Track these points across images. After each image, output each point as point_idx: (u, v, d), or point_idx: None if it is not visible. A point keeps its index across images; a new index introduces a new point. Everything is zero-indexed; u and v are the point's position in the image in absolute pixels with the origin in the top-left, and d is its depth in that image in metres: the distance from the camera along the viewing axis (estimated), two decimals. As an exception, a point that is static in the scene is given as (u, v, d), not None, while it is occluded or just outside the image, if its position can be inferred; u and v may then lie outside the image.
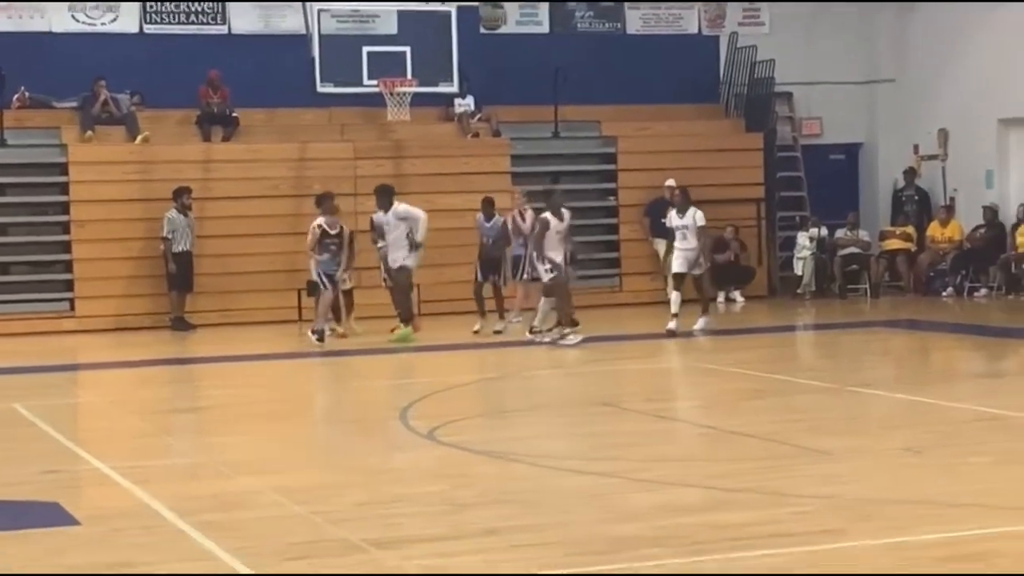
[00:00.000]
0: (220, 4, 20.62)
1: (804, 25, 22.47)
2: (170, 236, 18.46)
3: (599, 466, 8.74)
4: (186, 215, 18.60)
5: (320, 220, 16.09)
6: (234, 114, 19.99)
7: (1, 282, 19.06)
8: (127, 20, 20.36)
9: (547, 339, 15.60)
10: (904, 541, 6.46)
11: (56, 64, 19.68)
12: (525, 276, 17.05)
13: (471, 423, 10.72)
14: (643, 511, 7.23)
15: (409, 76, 19.19)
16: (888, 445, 9.10)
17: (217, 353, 16.26)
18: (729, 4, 22.50)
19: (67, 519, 7.42)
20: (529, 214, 17.29)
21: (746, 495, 7.57)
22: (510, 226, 17.08)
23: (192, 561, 6.46)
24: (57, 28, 20.12)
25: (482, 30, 21.19)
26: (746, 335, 17.12)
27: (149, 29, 20.46)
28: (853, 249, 21.39)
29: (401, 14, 19.51)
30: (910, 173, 22.11)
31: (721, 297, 20.68)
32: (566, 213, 15.68)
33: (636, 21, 22.31)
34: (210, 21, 20.66)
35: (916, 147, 22.21)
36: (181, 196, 18.55)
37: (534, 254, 15.77)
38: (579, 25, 22.14)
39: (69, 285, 19.10)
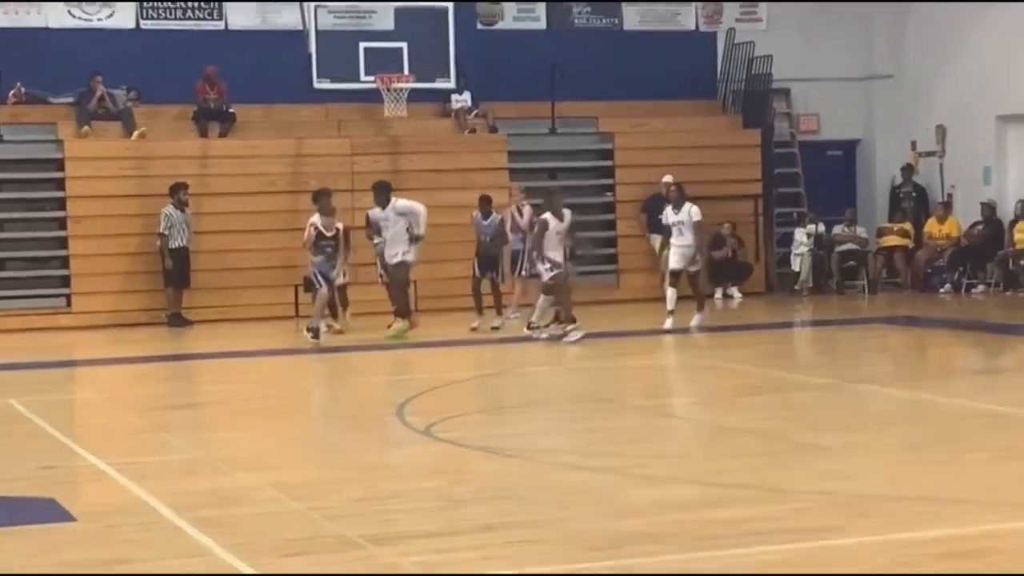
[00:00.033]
0: (217, 0, 20.59)
1: (801, 21, 22.47)
2: (167, 232, 18.45)
3: (597, 462, 8.74)
4: (183, 211, 18.58)
5: (316, 219, 16.05)
6: (231, 110, 19.98)
7: (-3, 278, 19.07)
8: (123, 15, 20.34)
9: (544, 335, 15.59)
10: (902, 538, 6.45)
11: (52, 60, 19.67)
12: (523, 273, 17.03)
13: (468, 419, 10.72)
14: (641, 507, 7.23)
15: (406, 72, 19.19)
16: (886, 441, 9.10)
17: (214, 349, 16.24)
18: (726, 2, 22.49)
19: (63, 515, 7.41)
20: (527, 210, 17.28)
21: (744, 491, 7.57)
22: (508, 222, 17.07)
23: (189, 557, 6.45)
24: (53, 24, 20.10)
25: (479, 26, 21.18)
26: (744, 331, 17.11)
27: (146, 25, 20.45)
28: (850, 246, 21.39)
29: (398, 10, 19.49)
30: (908, 170, 22.12)
31: (719, 293, 20.69)
32: (567, 213, 15.66)
33: (633, 17, 22.30)
34: (207, 17, 20.64)
35: (914, 144, 22.22)
36: (178, 192, 18.54)
37: (534, 253, 15.77)
38: (576, 21, 22.14)
39: (65, 281, 19.09)
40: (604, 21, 22.21)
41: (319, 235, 15.90)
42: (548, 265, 15.36)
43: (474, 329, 16.54)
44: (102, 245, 18.82)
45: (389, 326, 16.31)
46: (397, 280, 16.02)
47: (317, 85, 19.10)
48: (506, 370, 14.15)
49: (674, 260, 16.36)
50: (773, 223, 21.96)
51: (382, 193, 16.00)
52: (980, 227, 20.73)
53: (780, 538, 6.47)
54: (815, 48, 22.36)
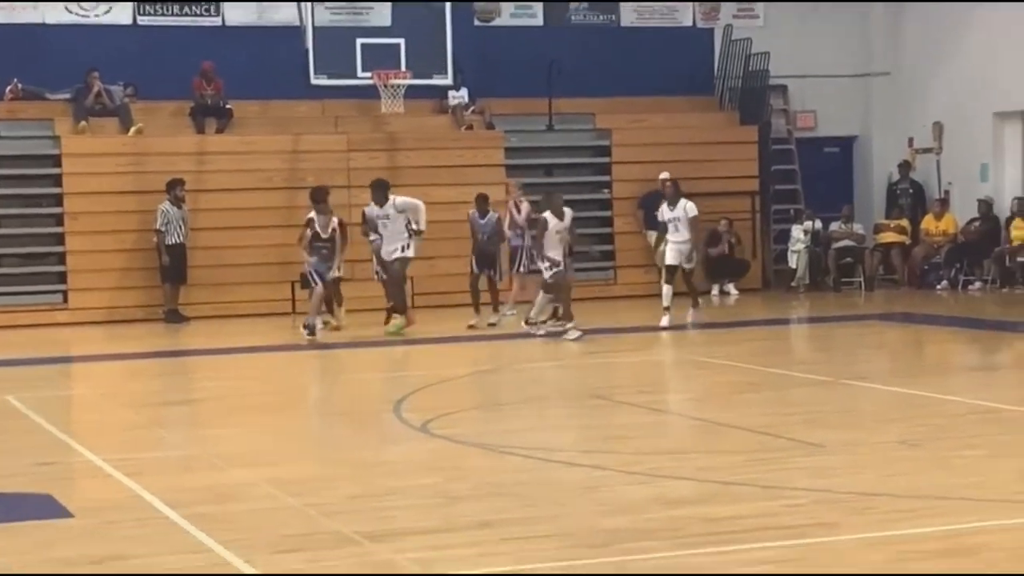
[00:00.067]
0: (214, -4, 20.63)
1: (799, 18, 22.47)
2: (163, 228, 18.45)
3: (592, 459, 8.75)
4: (179, 207, 18.58)
5: (313, 217, 16.04)
6: (228, 106, 19.97)
7: (-6, 274, 19.07)
8: (121, 12, 20.34)
9: (541, 332, 15.60)
10: (897, 535, 6.47)
11: (49, 56, 19.66)
12: (522, 269, 17.06)
13: (465, 416, 10.73)
14: (636, 504, 7.24)
15: (403, 68, 19.17)
16: (882, 438, 9.11)
17: (210, 345, 16.24)
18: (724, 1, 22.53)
19: (60, 511, 7.42)
20: (525, 206, 17.29)
21: (739, 488, 7.58)
22: (506, 219, 17.08)
23: (185, 554, 6.46)
24: (51, 20, 20.09)
25: (476, 22, 21.17)
26: (740, 328, 17.12)
27: (143, 21, 20.44)
28: (847, 242, 21.41)
29: (395, 6, 19.51)
30: (905, 166, 22.14)
31: (715, 290, 20.70)
32: (568, 212, 15.64)
33: (630, 14, 22.31)
34: (204, 13, 20.64)
35: (911, 140, 22.24)
36: (174, 188, 18.54)
37: (534, 252, 15.78)
38: (573, 18, 22.14)
39: (62, 277, 19.08)
40: (601, 18, 22.21)
41: (315, 236, 15.90)
42: (548, 264, 15.36)
43: (472, 326, 16.54)
44: (99, 241, 18.82)
45: (387, 322, 16.33)
46: (395, 276, 16.02)
47: (314, 81, 19.09)
48: (503, 367, 14.15)
49: (670, 256, 16.37)
50: (770, 220, 21.97)
51: (380, 191, 15.99)
52: (977, 224, 20.75)
53: (775, 535, 6.49)
54: (812, 45, 22.36)
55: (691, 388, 12.56)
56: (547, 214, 15.50)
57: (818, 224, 21.47)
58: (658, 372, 14.03)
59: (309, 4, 19.20)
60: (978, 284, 20.43)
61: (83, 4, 20.23)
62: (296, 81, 19.21)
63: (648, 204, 19.82)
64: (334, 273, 16.30)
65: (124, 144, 19.36)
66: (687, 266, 16.43)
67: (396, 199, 15.90)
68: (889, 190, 22.37)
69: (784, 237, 21.75)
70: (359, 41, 19.13)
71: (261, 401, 11.96)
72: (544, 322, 15.78)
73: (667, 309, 16.16)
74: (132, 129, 19.47)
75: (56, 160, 19.18)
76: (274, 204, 19.22)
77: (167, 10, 20.48)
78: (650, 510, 7.06)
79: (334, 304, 16.91)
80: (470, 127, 20.79)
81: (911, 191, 21.98)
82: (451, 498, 7.54)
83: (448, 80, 19.75)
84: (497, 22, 21.54)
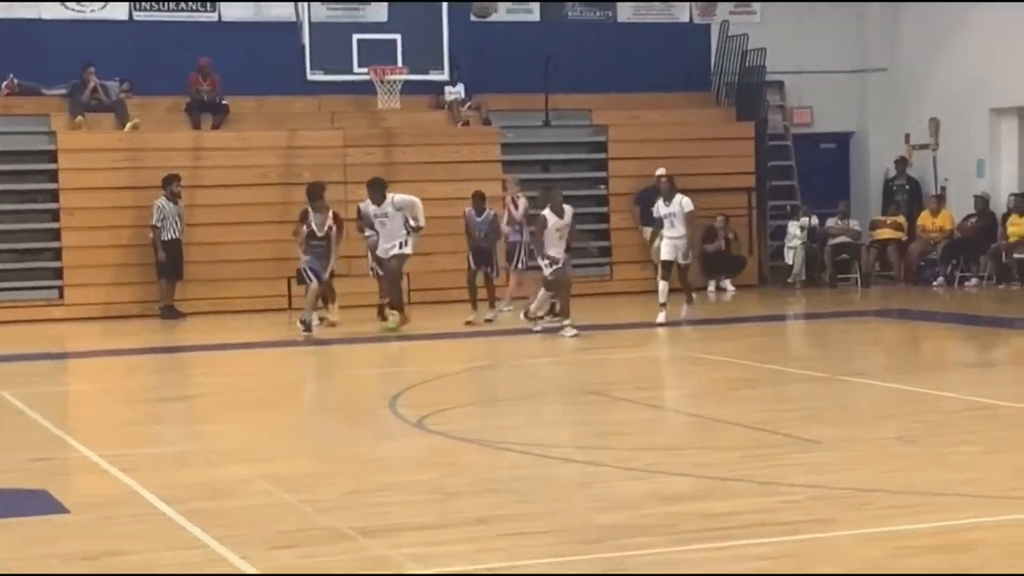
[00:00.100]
0: (210, -9, 20.62)
1: (795, 14, 22.47)
2: (159, 224, 18.44)
3: (588, 455, 8.75)
4: (175, 203, 18.58)
5: (308, 210, 16.03)
6: (224, 102, 19.96)
7: (-10, 270, 19.06)
8: (117, 7, 20.31)
9: (538, 327, 15.60)
10: (893, 531, 6.47)
11: (46, 51, 19.64)
12: (520, 265, 17.08)
13: (461, 412, 10.73)
14: (632, 500, 7.24)
15: (399, 64, 19.17)
16: (879, 434, 9.12)
17: (206, 341, 16.24)
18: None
19: (56, 507, 7.42)
20: (522, 202, 17.33)
21: (735, 484, 7.59)
22: (504, 215, 17.10)
23: (181, 549, 6.45)
24: (47, 15, 20.07)
25: (473, 18, 21.15)
26: (736, 324, 17.13)
27: (139, 16, 20.42)
28: (844, 238, 21.42)
29: (391, 2, 19.48)
30: (901, 162, 22.14)
31: (712, 286, 20.71)
32: (568, 210, 15.60)
33: (627, 10, 22.30)
34: (200, 8, 20.62)
35: (907, 136, 22.25)
36: (170, 184, 18.53)
37: (534, 249, 15.78)
38: (570, 14, 22.13)
39: (58, 273, 19.07)
40: (598, 14, 22.20)
41: (310, 234, 15.88)
42: (547, 262, 15.33)
43: (469, 322, 16.54)
44: (95, 237, 18.81)
45: (379, 315, 16.37)
46: (391, 272, 16.01)
47: (310, 77, 19.08)
48: (499, 363, 14.15)
49: (666, 252, 16.38)
50: (766, 216, 21.98)
51: (377, 190, 15.94)
52: (973, 220, 20.76)
53: (772, 531, 6.49)
54: (809, 41, 22.37)
55: (687, 384, 12.56)
56: (547, 212, 15.46)
57: (814, 220, 21.49)
58: (654, 368, 14.03)
59: (305, 0, 19.19)
60: (974, 280, 20.44)
61: (79, 0, 20.20)
62: (292, 77, 19.21)
63: (644, 200, 19.82)
64: (329, 270, 16.28)
65: (120, 140, 19.35)
66: (683, 262, 16.43)
67: (394, 197, 15.88)
68: (885, 186, 22.38)
69: (780, 233, 21.76)
70: (355, 37, 19.13)
71: (257, 397, 11.96)
72: (541, 317, 15.78)
73: (663, 305, 16.17)
74: (128, 125, 19.45)
75: (52, 156, 19.16)
76: (270, 200, 19.21)
77: (163, 6, 20.46)
78: (646, 506, 7.07)
79: (328, 301, 16.91)
80: (466, 123, 20.78)
81: (907, 187, 21.99)
82: (447, 494, 7.54)
83: (444, 76, 19.76)
84: (494, 18, 21.51)
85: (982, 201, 20.74)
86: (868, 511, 6.91)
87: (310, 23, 19.04)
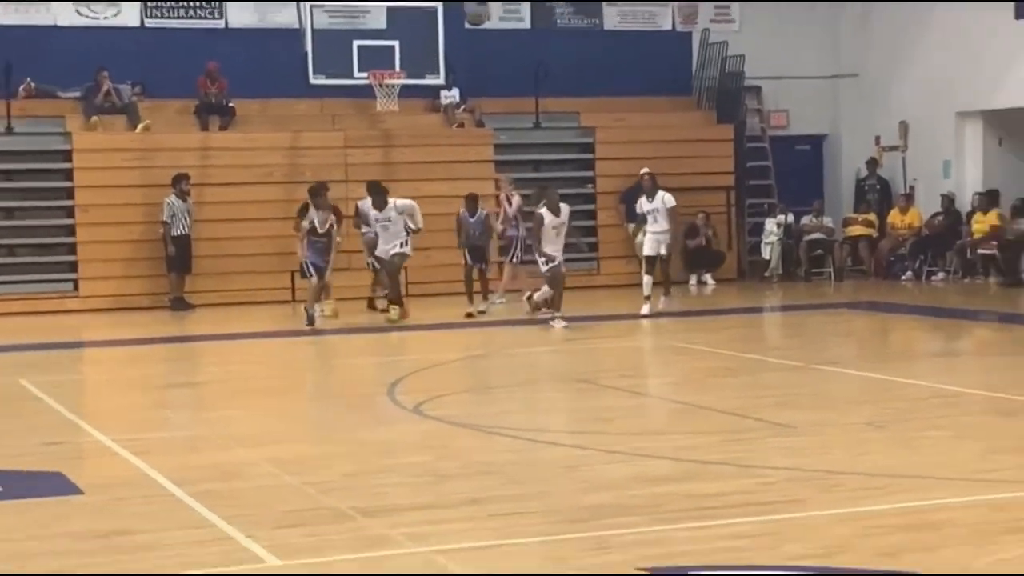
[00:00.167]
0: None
1: (772, 22, 22.48)
2: (169, 220, 18.41)
3: (577, 439, 8.76)
4: (184, 200, 18.54)
5: (308, 203, 16.01)
6: (231, 104, 19.92)
7: (8, 263, 19.01)
8: (129, 14, 20.27)
9: (535, 314, 15.65)
10: (864, 511, 6.48)
11: (61, 56, 19.58)
12: (515, 260, 17.06)
13: (456, 398, 10.72)
14: (618, 481, 7.24)
15: (398, 69, 19.16)
16: (850, 419, 9.13)
17: (214, 332, 16.21)
18: (700, 2, 22.51)
19: (71, 488, 7.41)
20: (516, 199, 17.35)
21: (715, 467, 7.59)
22: (500, 214, 17.13)
23: (190, 529, 6.45)
24: (62, 21, 20.02)
25: (467, 25, 21.14)
26: (716, 316, 17.14)
27: (150, 23, 20.37)
28: (818, 235, 21.43)
29: (390, 10, 19.46)
30: (872, 163, 22.16)
31: (693, 280, 20.72)
32: (564, 208, 15.51)
33: (613, 18, 22.28)
34: (208, 15, 20.57)
35: (877, 139, 22.25)
36: (180, 182, 18.50)
37: (531, 245, 15.76)
38: (559, 21, 22.11)
39: (73, 266, 19.03)
40: (585, 21, 22.18)
41: (312, 231, 15.85)
42: (544, 259, 15.28)
43: (470, 315, 16.50)
44: (108, 232, 18.78)
45: (374, 308, 16.37)
46: (391, 269, 16.01)
47: (313, 81, 19.05)
48: (492, 352, 14.14)
49: (649, 247, 16.37)
50: (745, 213, 21.99)
51: (380, 196, 15.91)
52: (940, 218, 20.78)
53: (749, 511, 6.50)
54: (785, 48, 22.37)
55: (671, 372, 12.56)
56: (544, 210, 15.37)
57: (790, 218, 21.51)
58: (639, 357, 14.03)
59: (308, 7, 19.18)
60: (941, 275, 20.46)
61: (93, 6, 20.16)
62: (296, 81, 19.17)
63: (630, 198, 19.77)
64: (330, 267, 16.26)
65: (132, 140, 19.31)
66: (663, 253, 16.39)
67: (396, 202, 15.87)
68: (857, 186, 22.40)
69: (758, 230, 21.76)
70: (356, 43, 19.10)
71: (263, 384, 11.95)
72: (539, 308, 15.75)
73: (648, 298, 16.16)
74: (139, 126, 19.41)
75: (67, 155, 19.12)
76: (274, 198, 19.18)
77: (173, 12, 20.41)
78: (631, 487, 7.07)
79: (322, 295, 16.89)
80: (461, 125, 20.76)
81: (878, 187, 22.01)
82: (442, 476, 7.54)
83: (440, 80, 19.73)
84: (487, 25, 21.50)
85: (948, 200, 20.76)
86: (840, 492, 6.92)
87: (312, 30, 19.01)
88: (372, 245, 16.36)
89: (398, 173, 19.08)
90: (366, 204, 16.31)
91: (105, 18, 20.22)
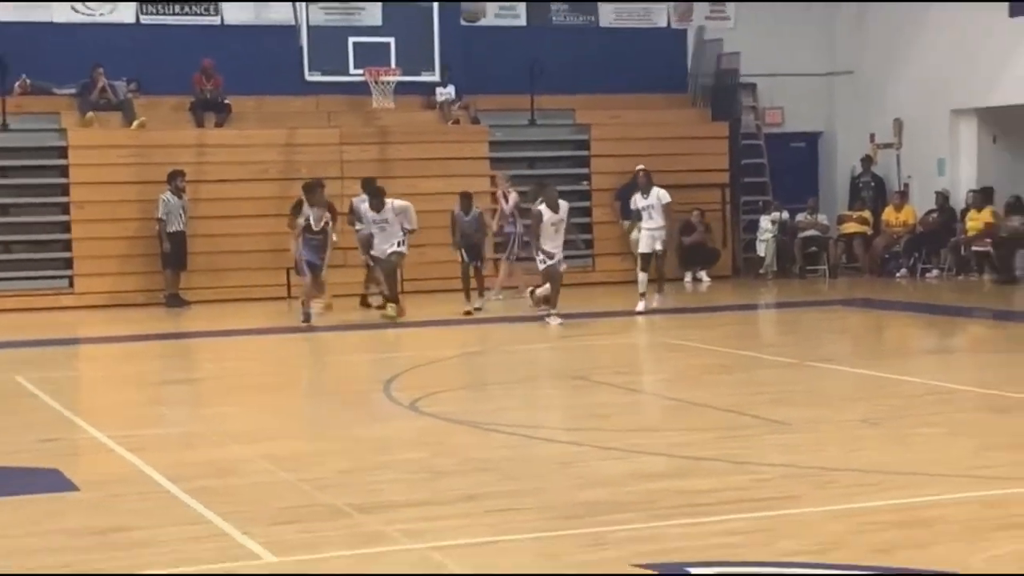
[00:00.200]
0: (213, -4, 20.57)
1: (768, 20, 22.48)
2: (164, 217, 18.40)
3: (572, 436, 8.77)
4: (180, 197, 18.53)
5: (302, 199, 16.00)
6: (226, 101, 19.91)
7: (3, 260, 19.00)
8: (124, 11, 20.25)
9: (536, 309, 15.69)
10: (858, 507, 6.50)
11: (56, 52, 19.55)
12: (512, 257, 17.05)
13: (451, 395, 10.72)
14: (613, 478, 7.25)
15: (393, 66, 19.15)
16: (845, 416, 9.13)
17: (209, 328, 16.21)
18: (696, 2, 22.52)
19: (67, 485, 7.41)
20: (512, 196, 17.34)
21: (710, 463, 7.60)
22: (498, 211, 17.14)
23: (185, 525, 6.45)
24: (58, 18, 20.00)
25: (462, 22, 21.13)
26: (711, 313, 17.15)
27: (145, 19, 20.35)
28: (812, 232, 21.46)
29: (385, 6, 19.47)
30: (866, 161, 22.18)
31: (688, 277, 20.73)
32: (563, 205, 15.46)
33: (609, 15, 22.29)
34: (203, 12, 20.55)
35: (872, 136, 22.28)
36: (175, 179, 18.48)
37: (528, 242, 15.76)
38: (554, 19, 22.11)
39: (68, 263, 19.02)
40: (581, 18, 22.19)
41: (307, 228, 15.83)
42: (542, 256, 15.26)
43: (468, 312, 16.48)
44: (103, 229, 18.77)
45: (367, 305, 16.37)
46: (388, 268, 16.02)
47: (308, 78, 19.05)
48: (488, 349, 14.15)
49: (644, 244, 16.38)
50: (740, 211, 22.00)
51: (378, 198, 15.91)
52: (934, 215, 20.80)
53: (744, 507, 6.51)
54: (780, 45, 22.37)
55: (665, 369, 12.57)
56: (542, 207, 15.34)
57: (785, 215, 21.53)
58: (634, 354, 14.04)
59: (304, 4, 19.18)
60: (935, 272, 20.48)
61: (89, 3, 20.13)
62: (291, 77, 19.16)
63: (624, 196, 19.80)
64: (326, 265, 16.25)
65: (127, 137, 19.29)
66: (659, 249, 16.39)
67: (393, 203, 15.87)
68: (852, 183, 22.42)
69: (753, 227, 21.78)
70: (351, 40, 19.10)
71: (258, 381, 11.95)
72: (541, 303, 15.77)
73: (643, 295, 16.18)
74: (135, 123, 19.39)
75: (63, 152, 19.10)
76: (270, 194, 19.16)
77: (168, 9, 20.39)
78: (626, 484, 7.08)
79: (325, 287, 16.87)
80: (457, 122, 20.76)
81: (872, 184, 22.03)
82: (438, 473, 7.54)
83: (436, 77, 19.72)
84: (482, 22, 21.49)
85: (942, 197, 20.79)
86: (834, 489, 6.93)
87: (308, 26, 19.01)
88: (366, 242, 16.37)
89: (394, 170, 19.08)
90: (360, 201, 16.31)
91: (101, 15, 20.20)
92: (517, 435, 8.74)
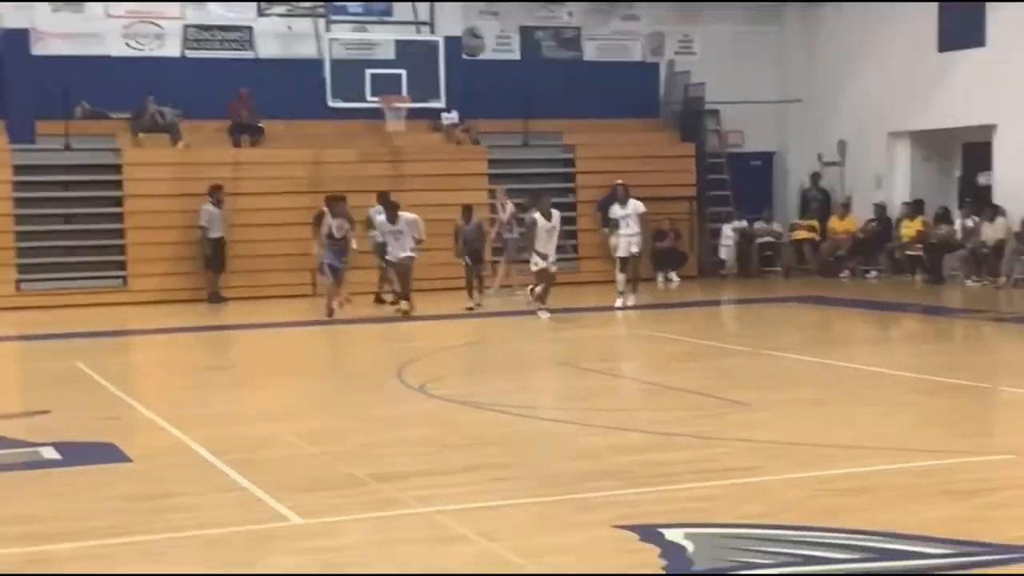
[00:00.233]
0: (249, 32, 20.51)
1: (729, 54, 22.48)
2: (206, 225, 18.36)
3: (561, 414, 8.75)
4: (220, 208, 18.49)
5: (325, 211, 15.97)
6: (260, 124, 19.88)
7: (66, 262, 18.93)
8: (171, 46, 20.23)
9: (534, 305, 15.66)
10: (810, 476, 6.49)
11: (112, 82, 19.52)
12: (508, 260, 16.99)
13: (456, 380, 10.72)
14: (596, 451, 7.23)
15: (405, 94, 19.15)
16: (797, 398, 9.13)
17: (245, 322, 16.17)
18: (666, 36, 22.51)
19: (121, 457, 7.39)
20: (509, 206, 17.32)
21: (681, 438, 7.59)
22: (497, 220, 17.12)
23: (224, 492, 6.43)
24: (114, 53, 19.97)
25: (464, 56, 21.11)
26: (681, 308, 17.14)
27: (189, 54, 20.32)
28: (768, 238, 21.46)
29: (398, 43, 19.53)
30: (815, 177, 22.19)
31: (660, 277, 20.71)
32: (555, 214, 15.41)
33: (592, 50, 22.28)
34: (240, 47, 20.53)
35: (820, 155, 22.27)
36: (215, 192, 18.45)
37: (523, 246, 15.70)
38: (545, 53, 22.09)
39: (122, 265, 18.97)
40: (568, 53, 22.17)
41: (329, 235, 15.79)
42: (536, 258, 15.23)
43: (470, 308, 16.44)
44: (152, 235, 18.74)
45: (392, 303, 16.38)
46: (403, 271, 15.99)
47: (331, 104, 19.03)
48: (488, 340, 14.13)
49: (622, 248, 16.35)
50: (705, 219, 21.98)
51: (393, 211, 15.86)
52: (873, 224, 20.81)
53: (711, 476, 6.50)
54: (740, 77, 22.35)
55: (642, 357, 12.55)
56: (537, 214, 15.28)
57: (744, 223, 21.53)
58: (615, 344, 14.01)
59: (327, 40, 19.19)
60: (874, 273, 20.49)
61: (140, 39, 20.11)
62: (316, 104, 19.13)
63: (605, 206, 19.74)
64: (346, 268, 16.20)
65: (174, 155, 19.25)
66: (635, 252, 16.36)
67: (405, 215, 15.83)
68: (802, 196, 22.42)
69: (717, 234, 21.76)
70: (368, 72, 19.11)
71: (287, 367, 11.92)
72: (540, 299, 15.73)
73: (621, 293, 16.15)
74: (180, 143, 19.36)
75: (118, 168, 19.07)
76: (298, 205, 19.11)
77: (209, 45, 20.37)
78: (608, 456, 7.06)
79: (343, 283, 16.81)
80: (459, 143, 20.74)
81: (820, 197, 22.03)
82: (445, 447, 7.52)
83: (442, 104, 19.71)
84: (482, 56, 21.48)
85: (880, 208, 20.79)
86: (790, 460, 6.91)
87: (331, 60, 19.01)
88: (380, 248, 16.35)
89: (405, 184, 19.06)
90: (376, 212, 16.30)
91: (151, 50, 20.17)
92: (514, 414, 8.72)
